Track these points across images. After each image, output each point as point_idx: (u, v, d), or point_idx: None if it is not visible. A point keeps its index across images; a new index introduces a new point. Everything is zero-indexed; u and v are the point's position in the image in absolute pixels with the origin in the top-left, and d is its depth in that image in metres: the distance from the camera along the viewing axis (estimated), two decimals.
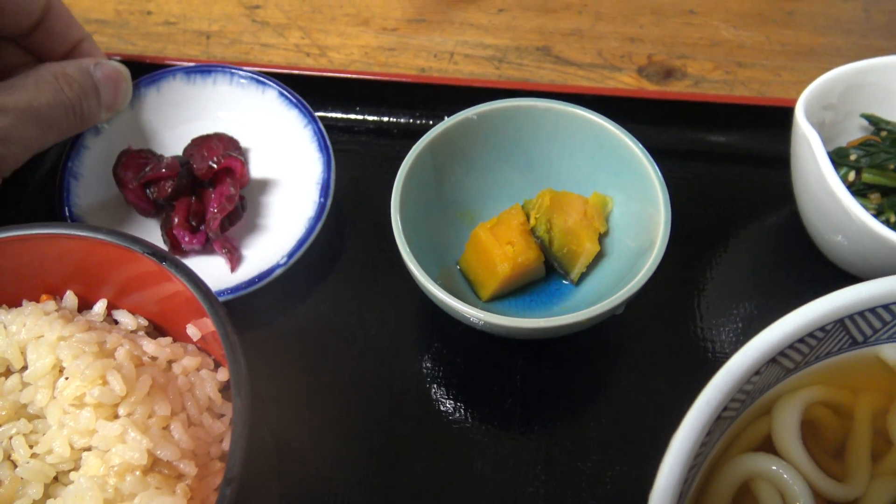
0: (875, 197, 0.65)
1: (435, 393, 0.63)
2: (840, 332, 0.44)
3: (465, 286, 0.65)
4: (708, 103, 0.74)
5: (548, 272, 0.66)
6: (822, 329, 0.43)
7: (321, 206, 0.69)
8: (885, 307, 0.43)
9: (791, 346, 0.42)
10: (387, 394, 0.63)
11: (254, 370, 0.44)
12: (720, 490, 0.43)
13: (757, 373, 0.42)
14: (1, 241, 0.49)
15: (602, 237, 0.65)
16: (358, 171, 0.76)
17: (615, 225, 0.66)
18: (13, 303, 0.52)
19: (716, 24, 0.88)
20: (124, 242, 0.48)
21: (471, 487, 0.58)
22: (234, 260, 0.69)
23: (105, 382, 0.46)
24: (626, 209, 0.65)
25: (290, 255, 0.66)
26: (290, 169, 0.73)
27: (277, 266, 0.65)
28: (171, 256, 0.47)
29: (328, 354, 0.65)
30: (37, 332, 0.49)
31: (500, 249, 0.62)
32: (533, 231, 0.64)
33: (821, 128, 0.64)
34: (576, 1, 0.91)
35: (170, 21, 0.92)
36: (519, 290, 0.65)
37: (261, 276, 0.65)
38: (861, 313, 0.43)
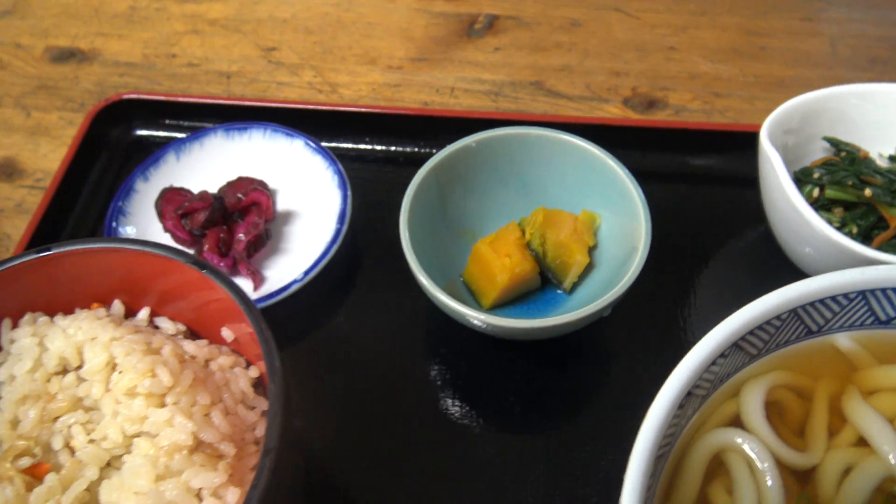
0: (838, 211, 0.72)
1: (442, 393, 0.69)
2: (795, 321, 0.51)
3: (469, 297, 0.72)
4: (686, 129, 0.82)
5: (543, 283, 0.72)
6: (777, 318, 0.49)
7: (337, 231, 0.76)
8: (833, 298, 0.50)
9: (751, 333, 0.49)
10: (398, 395, 0.69)
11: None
12: (695, 461, 0.49)
13: (722, 355, 0.48)
14: (60, 255, 0.56)
15: (591, 250, 0.72)
16: (368, 196, 0.83)
17: (603, 238, 0.73)
18: (67, 311, 0.59)
19: (694, 59, 0.96)
20: (168, 254, 0.55)
21: (476, 476, 0.64)
22: (258, 281, 0.76)
23: (154, 375, 0.52)
24: (612, 224, 0.72)
25: (307, 273, 0.73)
26: (312, 204, 0.81)
27: (295, 282, 0.72)
28: (210, 265, 0.54)
29: (344, 361, 0.72)
30: (91, 334, 0.55)
31: (499, 261, 0.68)
32: (528, 245, 0.71)
33: (785, 151, 0.71)
34: (565, 40, 1.00)
35: (192, 63, 1.01)
36: (517, 300, 0.72)
37: (280, 291, 0.72)
38: (812, 304, 0.50)
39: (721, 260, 0.77)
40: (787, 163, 0.68)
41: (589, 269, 0.72)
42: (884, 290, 0.50)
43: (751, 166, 0.77)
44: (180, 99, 0.88)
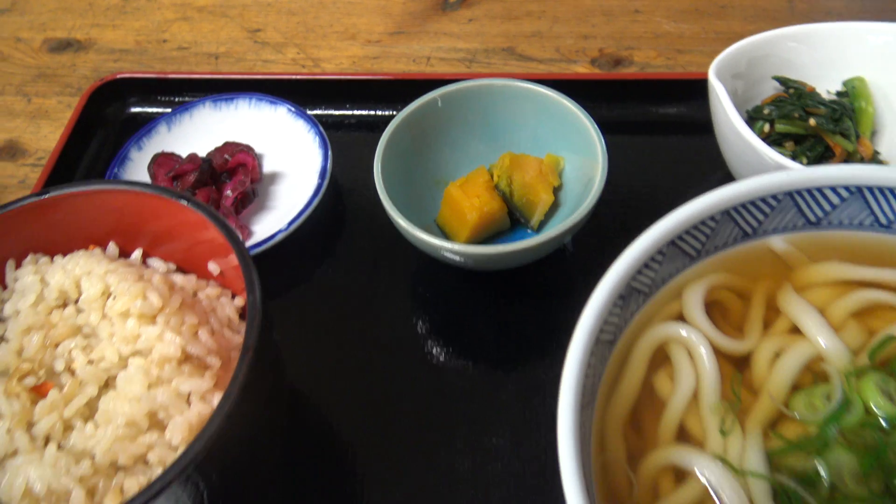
0: (789, 145, 0.76)
1: (422, 328, 0.74)
2: (729, 222, 0.55)
3: (443, 239, 0.76)
4: (644, 80, 0.86)
5: (512, 224, 0.77)
6: (711, 219, 0.54)
7: (319, 186, 0.81)
8: (762, 199, 0.54)
9: (687, 232, 0.53)
10: (379, 334, 0.74)
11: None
12: (639, 352, 0.53)
13: (661, 252, 0.52)
14: (58, 198, 0.61)
15: (556, 190, 0.76)
16: (349, 159, 0.87)
17: (567, 180, 0.77)
18: (66, 252, 0.64)
19: (658, 20, 1.01)
20: (159, 193, 0.60)
21: (456, 398, 0.68)
22: (245, 234, 0.81)
23: (145, 298, 0.57)
24: (575, 166, 0.76)
25: (291, 223, 0.78)
26: (296, 166, 0.86)
27: (280, 231, 0.77)
28: (197, 200, 0.59)
29: (330, 304, 0.76)
30: (88, 269, 0.60)
31: (468, 202, 0.73)
32: (496, 186, 0.75)
33: (735, 96, 0.76)
34: (535, 8, 1.05)
35: (182, 46, 1.06)
36: (488, 240, 0.76)
37: (266, 240, 0.76)
38: (743, 205, 0.54)
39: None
40: (740, 104, 0.73)
41: (554, 208, 0.76)
42: (809, 191, 0.54)
43: (707, 113, 0.82)
44: (170, 76, 0.94)
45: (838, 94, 0.78)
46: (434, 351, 0.72)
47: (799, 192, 0.55)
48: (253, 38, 1.06)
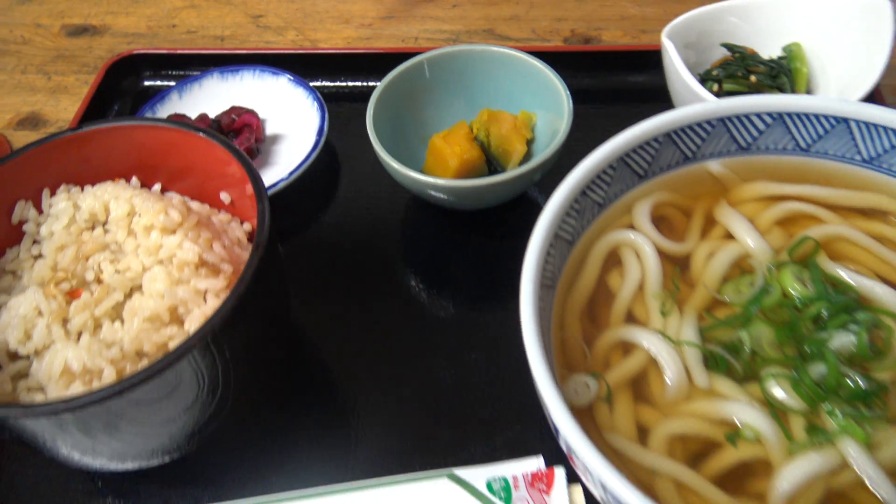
0: None
1: (409, 263, 0.82)
2: (671, 144, 0.64)
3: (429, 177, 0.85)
4: (608, 52, 0.96)
5: (491, 174, 0.86)
6: (655, 140, 0.63)
7: (317, 142, 0.89)
8: (699, 125, 0.63)
9: (634, 151, 0.62)
10: (372, 267, 0.82)
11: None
12: (595, 253, 0.62)
13: (612, 167, 0.61)
14: (90, 132, 0.69)
15: (529, 143, 0.86)
16: (344, 126, 0.96)
17: (539, 134, 0.86)
18: (94, 184, 0.72)
19: (624, 4, 1.11)
20: (181, 126, 0.69)
21: (439, 322, 0.77)
22: None
23: (167, 213, 0.65)
24: (546, 121, 0.85)
25: (292, 173, 0.86)
26: (295, 128, 0.95)
27: (282, 180, 0.86)
28: (215, 133, 0.68)
29: (327, 245, 0.85)
30: (115, 194, 0.69)
31: (450, 150, 0.82)
32: (476, 138, 0.84)
33: (688, 64, 0.85)
34: None
35: (191, 30, 1.16)
36: None
37: (269, 187, 0.85)
38: (682, 129, 0.63)
39: None
40: (692, 70, 0.82)
41: (527, 158, 0.85)
42: (738, 117, 0.64)
43: (664, 80, 0.92)
44: (181, 51, 1.03)
45: (779, 58, 0.87)
46: (420, 283, 0.81)
47: (730, 119, 0.64)
48: (255, 22, 1.15)
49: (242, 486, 0.66)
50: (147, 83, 1.04)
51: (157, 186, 0.73)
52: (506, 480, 0.65)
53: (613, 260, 0.63)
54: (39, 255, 0.68)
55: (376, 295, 0.80)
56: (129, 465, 0.62)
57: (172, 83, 1.03)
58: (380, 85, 0.83)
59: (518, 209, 0.84)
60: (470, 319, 0.77)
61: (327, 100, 0.96)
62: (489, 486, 0.64)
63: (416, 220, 0.86)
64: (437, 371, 0.73)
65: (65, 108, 1.05)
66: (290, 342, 0.76)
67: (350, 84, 1.01)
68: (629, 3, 1.11)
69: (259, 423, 0.70)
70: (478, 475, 0.65)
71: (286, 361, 0.75)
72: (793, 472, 0.50)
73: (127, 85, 1.03)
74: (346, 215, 0.88)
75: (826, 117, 0.62)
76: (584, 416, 0.55)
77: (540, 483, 0.65)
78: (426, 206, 0.87)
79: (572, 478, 0.64)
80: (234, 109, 0.93)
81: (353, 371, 0.74)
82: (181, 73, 1.03)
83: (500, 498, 0.64)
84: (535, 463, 0.66)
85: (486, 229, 0.84)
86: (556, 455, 0.65)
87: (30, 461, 0.70)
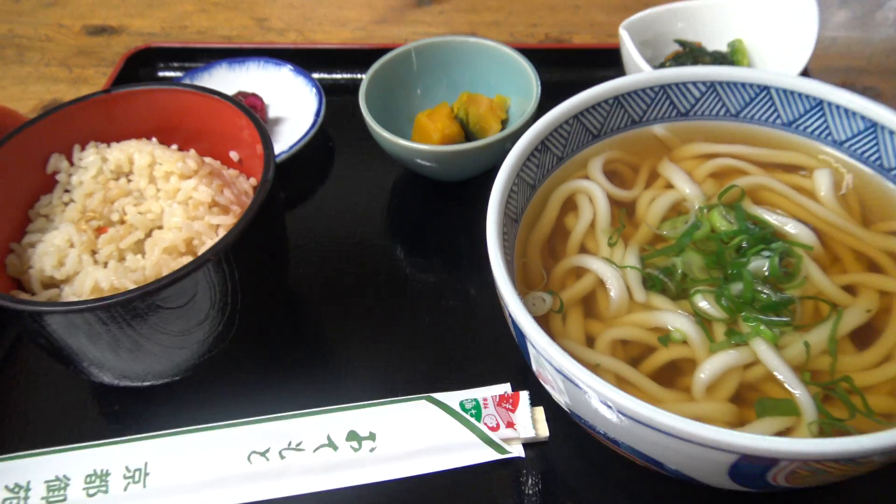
0: None
1: (395, 227, 0.92)
2: (619, 108, 0.75)
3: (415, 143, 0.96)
4: (574, 49, 1.07)
5: None
6: (605, 102, 0.73)
7: (314, 122, 1.00)
8: (643, 90, 0.74)
9: (587, 111, 0.73)
10: (363, 232, 0.92)
11: None
12: (554, 198, 0.72)
13: (567, 122, 0.72)
14: (117, 95, 0.79)
15: (504, 123, 0.96)
16: (339, 114, 1.07)
17: (512, 115, 0.97)
18: (119, 142, 0.82)
19: (593, 13, 1.24)
20: (201, 91, 0.79)
21: (420, 280, 0.86)
22: None
23: (184, 162, 0.75)
24: (518, 104, 0.96)
25: (292, 147, 0.97)
26: (296, 112, 1.05)
27: (283, 153, 0.96)
28: (229, 96, 0.78)
29: (322, 212, 0.95)
30: (139, 148, 0.78)
31: (433, 125, 0.92)
32: (456, 117, 0.95)
33: (645, 59, 0.96)
34: (494, 4, 1.27)
35: (200, 31, 1.27)
36: None
37: None
38: (629, 94, 0.74)
39: None
40: (648, 63, 0.94)
41: None
42: (677, 85, 0.75)
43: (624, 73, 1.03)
44: (192, 45, 1.14)
45: (724, 52, 0.99)
46: (406, 244, 0.91)
47: (670, 86, 0.75)
48: (260, 24, 1.27)
49: (242, 408, 0.74)
50: (161, 74, 1.15)
51: (174, 146, 0.83)
52: (476, 401, 0.74)
53: (570, 205, 0.73)
54: (70, 201, 0.78)
55: (367, 256, 0.90)
56: (144, 381, 0.71)
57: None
58: (372, 67, 0.94)
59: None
60: (449, 275, 0.87)
61: (324, 91, 1.07)
62: (462, 406, 0.73)
63: (404, 191, 0.96)
64: (420, 317, 0.83)
65: None
66: (288, 291, 0.86)
67: (345, 76, 1.12)
68: (598, 11, 1.23)
69: (259, 354, 0.79)
70: (452, 397, 0.74)
71: (285, 305, 0.84)
72: (712, 365, 0.59)
73: (143, 74, 1.14)
74: (340, 189, 0.98)
75: (751, 85, 0.73)
76: (541, 325, 0.64)
77: (507, 403, 0.74)
78: (413, 179, 0.97)
79: (535, 401, 0.73)
80: (240, 94, 1.03)
81: (345, 318, 0.83)
82: (192, 64, 1.14)
83: (472, 415, 0.73)
84: (503, 388, 0.75)
85: (465, 199, 0.94)
86: (521, 384, 0.74)
87: (51, 380, 0.78)
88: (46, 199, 0.78)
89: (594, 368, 0.60)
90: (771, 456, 0.48)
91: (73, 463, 0.71)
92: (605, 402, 0.52)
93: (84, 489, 0.70)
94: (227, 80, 1.09)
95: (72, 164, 0.80)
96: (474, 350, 0.80)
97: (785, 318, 0.61)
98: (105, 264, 0.71)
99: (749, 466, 0.51)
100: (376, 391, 0.75)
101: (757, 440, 0.48)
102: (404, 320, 0.82)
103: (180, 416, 0.74)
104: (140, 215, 0.75)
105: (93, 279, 0.68)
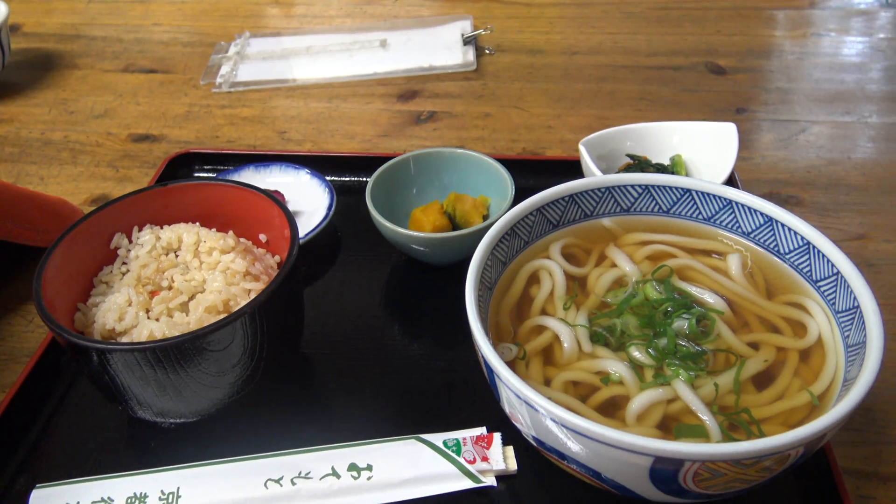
0: None
1: (393, 303, 1.09)
2: (574, 204, 0.94)
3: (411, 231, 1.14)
4: (544, 160, 1.29)
5: None
6: (562, 199, 0.93)
7: (326, 216, 1.19)
8: (592, 191, 0.94)
9: (548, 205, 0.92)
10: (364, 307, 1.09)
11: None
12: (521, 274, 0.89)
13: (531, 214, 0.91)
14: (170, 188, 0.99)
15: (485, 218, 1.16)
16: (347, 212, 1.26)
17: (492, 211, 1.17)
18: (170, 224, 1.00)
19: (564, 132, 1.46)
20: (238, 185, 0.98)
21: (411, 346, 1.03)
22: None
23: (224, 240, 0.93)
24: (497, 203, 1.16)
25: (307, 235, 1.15)
26: (311, 207, 1.25)
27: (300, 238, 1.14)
28: (262, 189, 0.97)
29: (330, 290, 1.12)
30: (186, 230, 0.97)
31: (426, 218, 1.12)
32: (445, 212, 1.14)
33: (600, 170, 1.17)
34: (480, 123, 1.50)
35: (230, 140, 1.49)
36: None
37: None
38: (581, 193, 0.93)
39: None
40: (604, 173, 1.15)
41: None
42: (620, 188, 0.94)
43: None
44: (225, 151, 1.35)
45: (666, 165, 1.20)
46: (401, 315, 1.08)
47: (614, 188, 0.94)
48: (281, 136, 1.49)
49: (261, 444, 0.88)
50: (198, 174, 1.35)
51: (213, 229, 1.02)
52: (457, 440, 0.88)
53: (534, 279, 0.91)
54: (127, 271, 0.95)
55: (367, 324, 1.06)
56: (179, 419, 0.86)
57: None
58: (377, 171, 1.15)
59: None
60: (436, 341, 1.03)
61: (335, 191, 1.27)
62: (445, 444, 0.88)
63: (400, 273, 1.14)
64: (411, 374, 0.98)
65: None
66: (301, 351, 1.02)
67: (353, 179, 1.33)
68: (567, 131, 1.46)
69: (276, 400, 0.94)
70: (437, 438, 0.89)
71: (299, 360, 1.00)
72: (642, 399, 0.75)
73: (182, 174, 1.34)
74: (346, 270, 1.16)
75: (678, 189, 0.93)
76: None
77: (482, 442, 0.89)
78: (408, 263, 1.15)
79: (507, 441, 0.88)
80: (265, 191, 1.23)
81: (348, 374, 0.99)
82: (224, 166, 1.35)
83: (453, 451, 0.87)
84: (480, 430, 0.90)
85: (451, 279, 1.11)
86: (495, 428, 0.89)
87: (100, 418, 0.93)
88: (108, 269, 0.96)
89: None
90: (676, 457, 0.63)
91: (117, 487, 0.84)
92: (553, 419, 0.67)
93: None
94: (253, 180, 1.29)
95: (131, 241, 0.98)
96: (456, 401, 0.95)
97: (700, 366, 0.78)
98: (157, 319, 0.88)
99: (663, 471, 0.66)
100: (373, 433, 0.89)
101: (665, 444, 0.63)
102: (398, 377, 0.98)
103: (208, 451, 0.88)
104: (186, 282, 0.92)
105: (148, 329, 0.85)
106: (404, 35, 1.82)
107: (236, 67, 1.72)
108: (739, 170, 1.26)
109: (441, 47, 1.75)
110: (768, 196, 0.89)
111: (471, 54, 1.72)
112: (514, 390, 0.70)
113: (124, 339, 0.87)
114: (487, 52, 1.76)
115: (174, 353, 0.78)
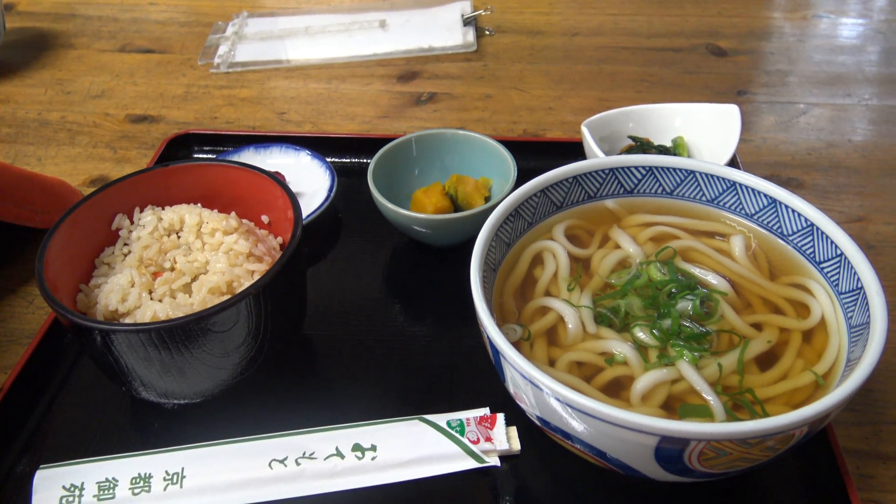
0: None
1: (395, 284, 1.09)
2: (578, 186, 0.94)
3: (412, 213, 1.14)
4: (545, 141, 1.28)
5: None
6: (566, 181, 0.92)
7: (327, 197, 1.19)
8: (596, 172, 0.93)
9: (551, 187, 0.92)
10: (366, 288, 1.09)
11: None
12: (525, 255, 0.89)
13: (535, 195, 0.90)
14: (172, 168, 0.98)
15: (487, 200, 1.15)
16: (347, 193, 1.26)
17: (493, 193, 1.16)
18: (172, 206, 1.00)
19: (564, 114, 1.46)
20: (241, 166, 0.98)
21: (414, 325, 1.03)
22: None
23: (227, 221, 0.93)
24: (499, 184, 1.16)
25: (308, 216, 1.15)
26: (311, 189, 1.24)
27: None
28: (266, 170, 0.97)
29: (332, 271, 1.12)
30: (188, 210, 0.96)
31: (427, 200, 1.11)
32: (447, 193, 1.14)
33: (603, 152, 1.17)
34: (481, 105, 1.49)
35: (229, 122, 1.48)
36: None
37: None
38: (585, 175, 0.93)
39: None
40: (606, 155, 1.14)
41: None
42: (623, 169, 0.94)
43: None
44: (224, 132, 1.34)
45: (668, 147, 1.20)
46: (403, 296, 1.08)
47: (618, 170, 0.94)
48: (280, 117, 1.48)
49: (265, 425, 0.88)
50: (197, 155, 1.34)
51: (215, 210, 1.01)
52: (461, 420, 0.89)
53: (538, 260, 0.91)
54: (129, 252, 0.95)
55: (369, 305, 1.06)
56: (183, 400, 0.86)
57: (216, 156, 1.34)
58: (380, 151, 1.14)
59: None
60: (439, 322, 1.03)
61: (335, 171, 1.26)
62: (448, 424, 0.88)
63: (401, 254, 1.14)
64: (414, 356, 0.99)
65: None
66: (304, 331, 1.02)
67: (353, 160, 1.32)
68: (568, 113, 1.46)
69: (280, 381, 0.94)
70: (441, 418, 0.89)
71: (302, 341, 1.00)
72: (646, 380, 0.76)
73: (181, 155, 1.33)
74: (347, 251, 1.16)
75: (681, 170, 0.93)
76: None
77: (486, 422, 0.89)
78: (409, 245, 1.15)
79: (510, 422, 0.89)
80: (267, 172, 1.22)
81: (350, 355, 0.99)
82: (223, 148, 1.34)
83: (457, 431, 0.88)
84: (483, 411, 0.90)
85: (453, 261, 1.12)
86: (498, 409, 0.89)
87: (103, 399, 0.93)
88: (110, 250, 0.95)
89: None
90: (683, 437, 0.64)
91: (121, 467, 0.84)
92: (559, 399, 0.68)
93: (130, 489, 0.83)
94: (253, 161, 1.27)
95: (132, 222, 0.97)
96: (459, 382, 0.95)
97: (704, 346, 0.78)
98: (160, 301, 0.88)
99: (668, 450, 0.66)
100: (377, 413, 0.89)
101: (672, 423, 0.64)
102: (401, 358, 0.98)
103: (212, 432, 0.88)
104: (188, 263, 0.91)
105: (152, 310, 0.84)
106: (403, 15, 1.81)
107: (234, 48, 1.70)
108: (740, 152, 1.26)
109: (441, 28, 1.74)
110: (769, 178, 0.88)
111: (471, 35, 1.71)
112: (520, 370, 0.70)
113: (127, 320, 0.86)
114: (488, 32, 1.75)
115: (179, 334, 0.78)
